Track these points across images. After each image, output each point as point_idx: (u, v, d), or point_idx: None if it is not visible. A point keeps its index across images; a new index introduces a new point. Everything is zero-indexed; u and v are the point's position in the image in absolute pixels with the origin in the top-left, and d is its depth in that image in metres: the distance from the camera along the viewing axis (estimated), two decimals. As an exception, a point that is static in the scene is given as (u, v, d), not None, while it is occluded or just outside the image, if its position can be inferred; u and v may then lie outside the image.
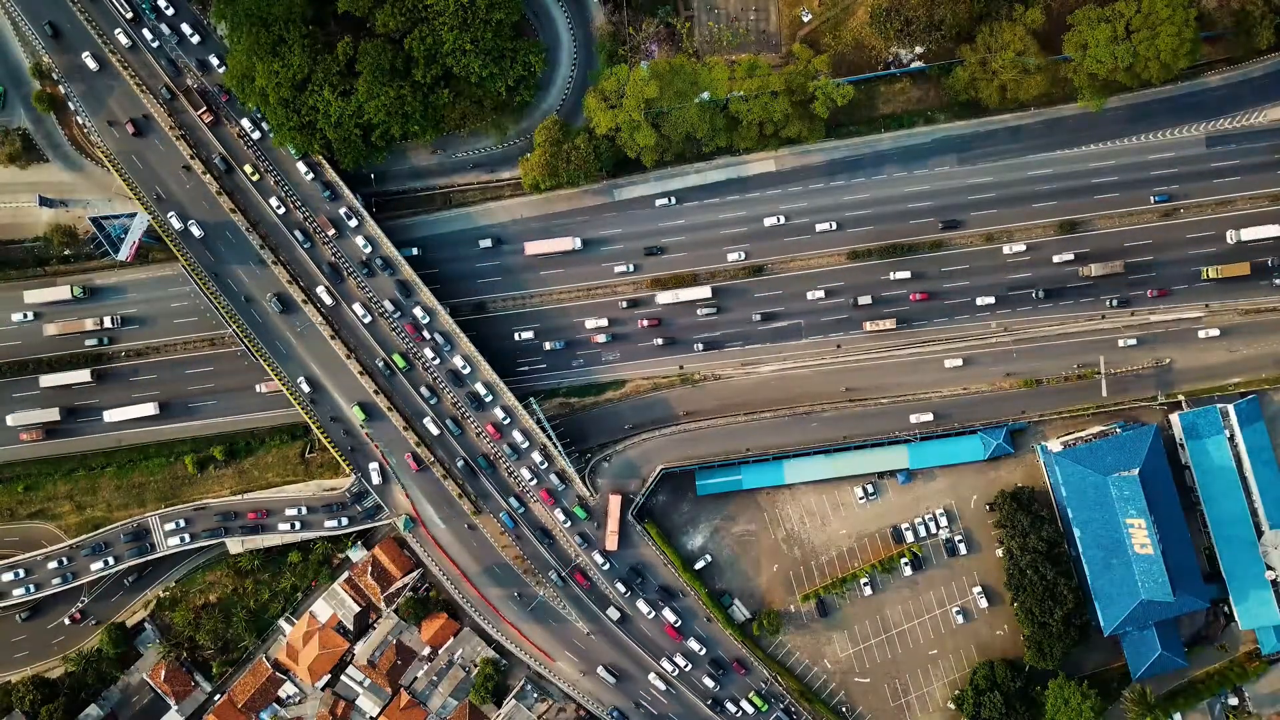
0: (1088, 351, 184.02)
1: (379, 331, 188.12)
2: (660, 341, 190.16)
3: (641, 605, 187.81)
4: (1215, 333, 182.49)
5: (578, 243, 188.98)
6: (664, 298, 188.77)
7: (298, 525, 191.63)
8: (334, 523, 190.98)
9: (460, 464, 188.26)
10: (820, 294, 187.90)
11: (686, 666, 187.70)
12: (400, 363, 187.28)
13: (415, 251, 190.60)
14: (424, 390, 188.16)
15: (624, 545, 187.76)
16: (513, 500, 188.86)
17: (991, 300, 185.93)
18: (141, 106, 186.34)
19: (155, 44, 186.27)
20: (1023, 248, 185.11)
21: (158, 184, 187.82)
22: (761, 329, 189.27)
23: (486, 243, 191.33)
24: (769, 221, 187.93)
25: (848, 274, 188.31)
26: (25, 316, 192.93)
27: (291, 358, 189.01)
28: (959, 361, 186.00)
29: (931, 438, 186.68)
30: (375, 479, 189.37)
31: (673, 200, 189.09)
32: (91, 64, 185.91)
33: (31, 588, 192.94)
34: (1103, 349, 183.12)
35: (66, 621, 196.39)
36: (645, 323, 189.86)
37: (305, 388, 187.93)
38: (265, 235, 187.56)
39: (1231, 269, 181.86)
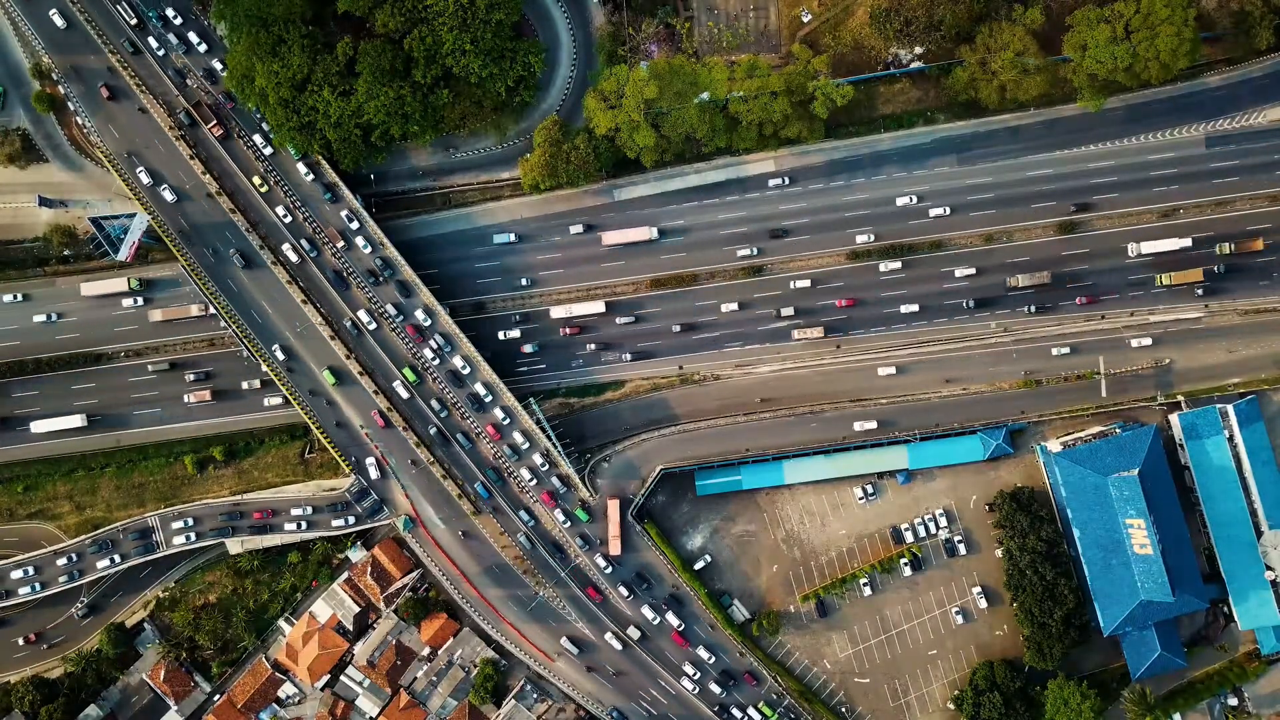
0: (1087, 352, 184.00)
1: (390, 345, 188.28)
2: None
3: (647, 611, 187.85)
4: (1148, 341, 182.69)
5: (654, 232, 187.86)
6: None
7: (304, 525, 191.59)
8: (340, 522, 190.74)
9: (476, 484, 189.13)
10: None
11: (695, 675, 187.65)
12: (410, 377, 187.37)
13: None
14: (434, 403, 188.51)
15: (627, 550, 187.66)
16: (523, 514, 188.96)
17: (916, 308, 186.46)
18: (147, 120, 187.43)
19: (161, 53, 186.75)
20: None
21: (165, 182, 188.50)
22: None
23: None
24: (901, 202, 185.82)
25: (849, 274, 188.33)
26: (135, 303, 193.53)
27: (292, 358, 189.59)
28: (892, 371, 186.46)
29: (931, 438, 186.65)
30: (373, 474, 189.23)
31: (787, 180, 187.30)
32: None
33: (38, 585, 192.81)
34: (1102, 349, 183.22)
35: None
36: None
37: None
38: (271, 243, 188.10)
39: (1184, 275, 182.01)
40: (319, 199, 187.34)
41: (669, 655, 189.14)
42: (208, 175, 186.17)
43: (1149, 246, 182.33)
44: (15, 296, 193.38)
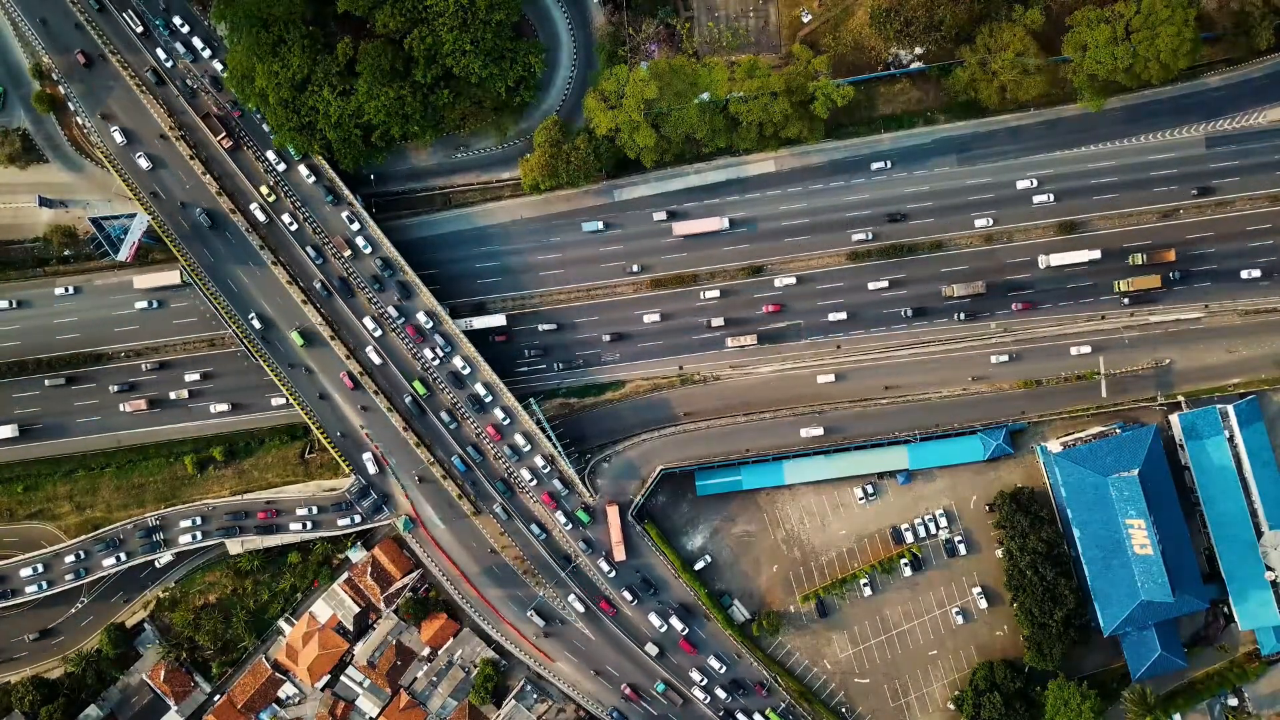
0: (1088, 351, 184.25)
1: (400, 358, 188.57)
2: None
3: (654, 618, 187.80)
4: (1087, 349, 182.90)
5: (725, 222, 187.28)
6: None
7: (310, 525, 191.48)
8: (346, 521, 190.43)
9: (495, 505, 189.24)
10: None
11: (703, 681, 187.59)
12: (420, 389, 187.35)
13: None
14: (443, 415, 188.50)
15: (631, 555, 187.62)
16: (534, 527, 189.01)
17: (844, 316, 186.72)
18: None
19: (170, 64, 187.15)
20: (793, 280, 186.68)
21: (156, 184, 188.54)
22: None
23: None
24: (1021, 185, 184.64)
25: (849, 274, 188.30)
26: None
27: (295, 358, 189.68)
28: (831, 379, 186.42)
29: (932, 438, 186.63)
30: (371, 469, 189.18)
31: (888, 164, 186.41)
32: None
33: (44, 584, 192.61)
34: (1101, 350, 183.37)
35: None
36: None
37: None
38: (281, 255, 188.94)
39: (1142, 281, 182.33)
40: (320, 200, 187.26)
41: (679, 664, 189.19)
42: (217, 188, 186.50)
43: (1057, 259, 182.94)
44: (67, 289, 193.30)
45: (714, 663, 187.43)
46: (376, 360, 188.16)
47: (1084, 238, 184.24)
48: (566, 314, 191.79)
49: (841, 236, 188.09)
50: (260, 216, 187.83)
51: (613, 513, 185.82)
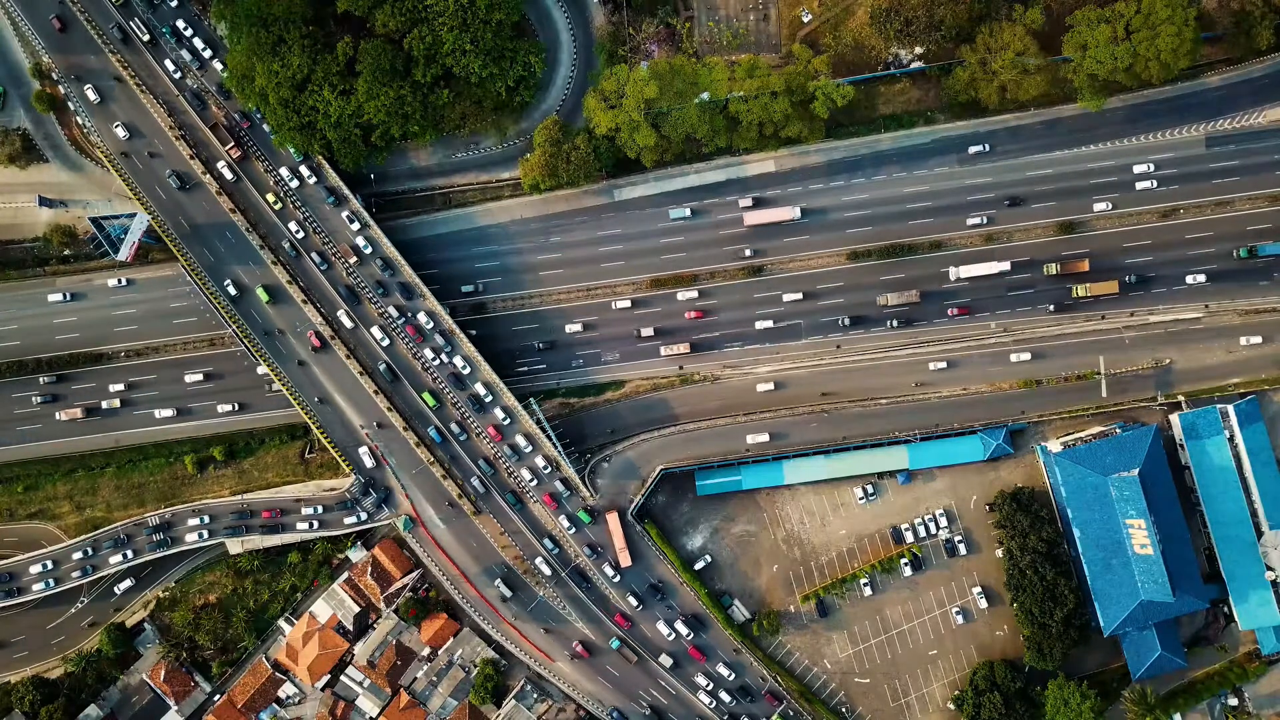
0: (1088, 351, 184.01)
1: (412, 372, 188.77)
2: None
3: (661, 626, 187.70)
4: (1026, 356, 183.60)
5: (796, 212, 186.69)
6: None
7: (316, 525, 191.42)
8: (352, 519, 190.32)
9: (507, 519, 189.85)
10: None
11: (709, 685, 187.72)
12: (430, 401, 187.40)
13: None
14: (453, 426, 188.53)
15: (637, 560, 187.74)
16: (547, 542, 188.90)
17: (770, 324, 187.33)
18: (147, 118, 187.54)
19: (178, 75, 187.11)
20: (694, 294, 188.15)
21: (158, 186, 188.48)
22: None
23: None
24: (1140, 169, 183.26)
25: (848, 274, 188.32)
26: (120, 282, 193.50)
27: (289, 356, 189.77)
28: (771, 386, 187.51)
29: (932, 438, 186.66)
30: (368, 462, 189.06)
31: (986, 147, 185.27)
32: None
33: (52, 582, 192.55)
34: (1105, 349, 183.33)
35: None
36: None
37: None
38: (271, 241, 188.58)
39: (1100, 287, 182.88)
40: (320, 200, 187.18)
41: (687, 669, 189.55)
42: (229, 204, 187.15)
43: (967, 270, 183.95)
44: (119, 281, 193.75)
45: (723, 669, 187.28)
46: (384, 363, 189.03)
47: (996, 249, 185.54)
48: (567, 314, 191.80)
49: (840, 236, 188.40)
50: (277, 224, 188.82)
51: (613, 519, 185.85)
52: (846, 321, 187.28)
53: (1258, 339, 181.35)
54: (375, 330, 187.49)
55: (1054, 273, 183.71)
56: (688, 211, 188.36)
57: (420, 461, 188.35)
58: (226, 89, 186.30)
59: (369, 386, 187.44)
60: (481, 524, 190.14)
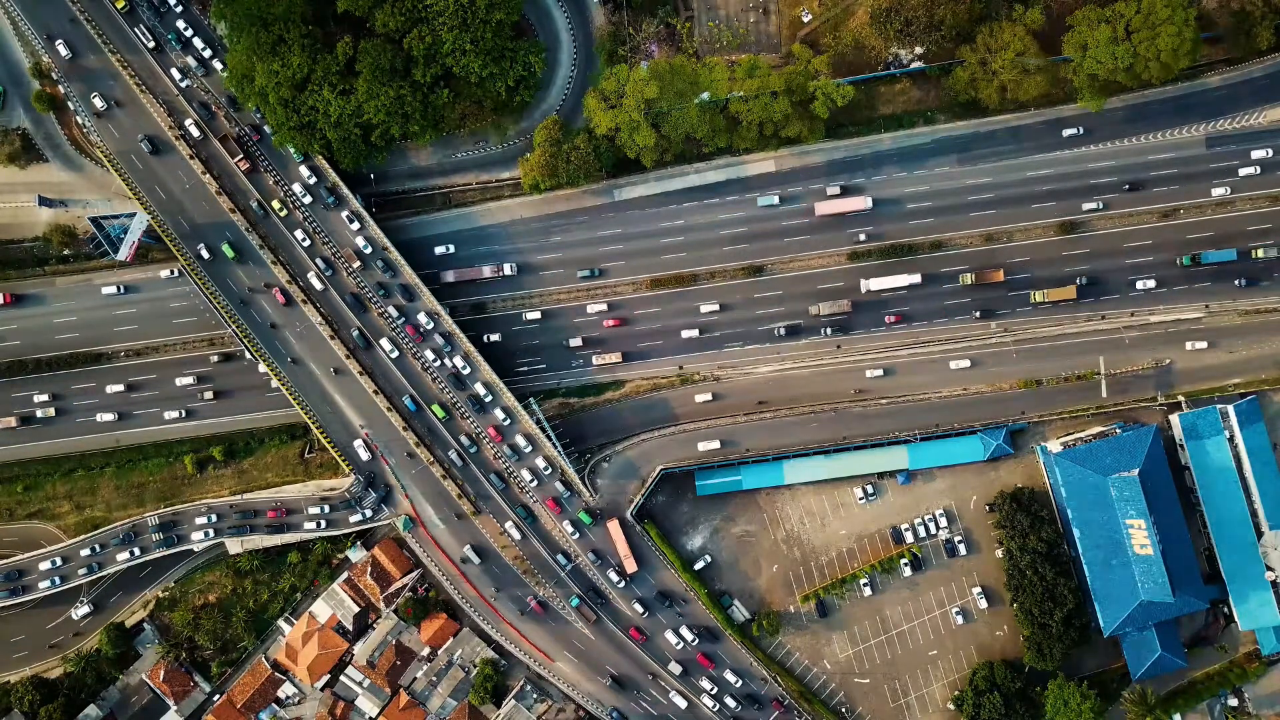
0: (1086, 353, 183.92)
1: (419, 381, 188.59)
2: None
3: (670, 636, 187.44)
4: (965, 364, 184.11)
5: (868, 202, 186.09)
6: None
7: (324, 524, 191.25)
8: (357, 517, 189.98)
9: (508, 523, 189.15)
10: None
11: (712, 690, 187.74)
12: (440, 413, 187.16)
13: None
14: (464, 439, 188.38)
15: (643, 566, 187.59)
16: (560, 557, 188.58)
17: (695, 334, 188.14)
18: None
19: (185, 84, 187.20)
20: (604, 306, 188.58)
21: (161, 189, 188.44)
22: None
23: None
24: (1257, 155, 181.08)
25: (847, 274, 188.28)
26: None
27: (292, 358, 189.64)
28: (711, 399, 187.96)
29: (932, 438, 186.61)
30: (363, 455, 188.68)
31: (1080, 129, 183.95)
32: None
33: (58, 579, 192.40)
34: (1106, 349, 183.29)
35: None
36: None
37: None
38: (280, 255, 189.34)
39: (1057, 293, 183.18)
40: (320, 200, 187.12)
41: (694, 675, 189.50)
42: (236, 214, 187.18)
43: (876, 284, 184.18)
44: (172, 272, 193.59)
45: (730, 676, 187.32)
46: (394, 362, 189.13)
47: (904, 262, 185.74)
48: (567, 314, 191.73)
49: (840, 236, 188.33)
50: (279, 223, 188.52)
51: (614, 528, 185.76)
52: (782, 331, 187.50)
53: (1203, 344, 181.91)
54: (385, 342, 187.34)
55: (969, 282, 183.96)
56: (775, 199, 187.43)
57: (420, 462, 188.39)
58: (236, 100, 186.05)
59: (383, 404, 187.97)
60: (481, 524, 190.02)
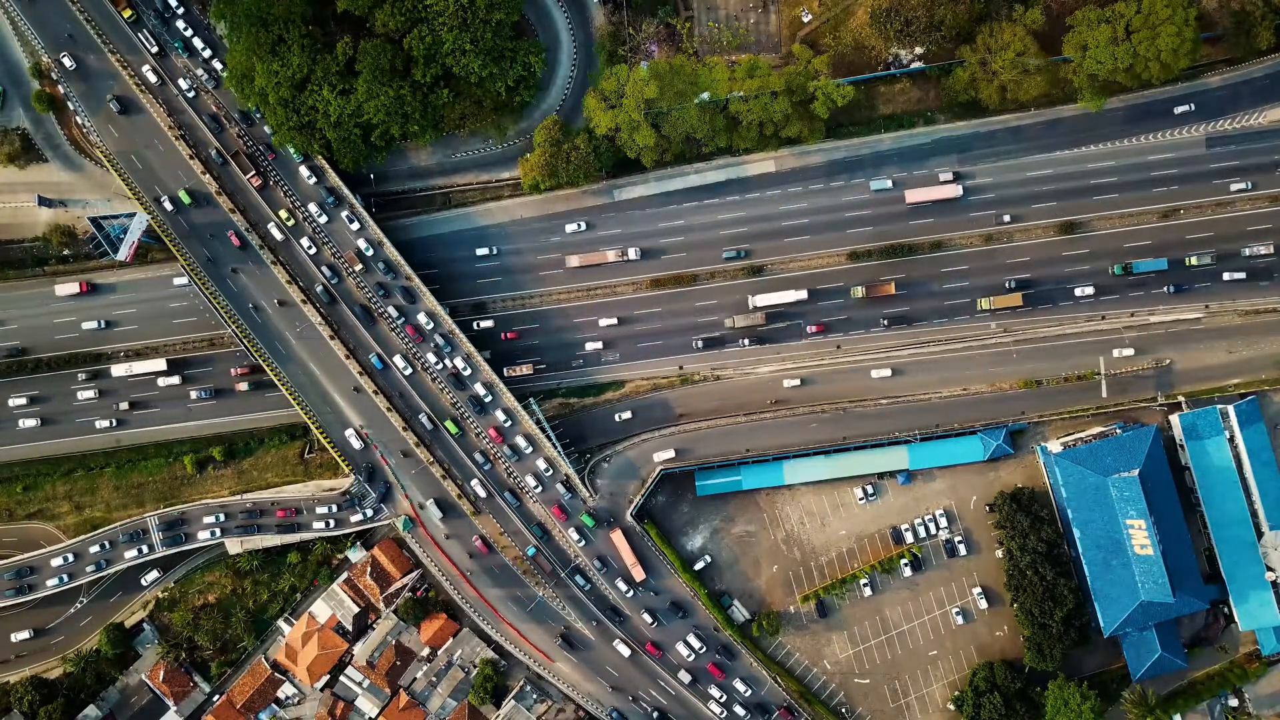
0: (1086, 353, 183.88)
1: (425, 390, 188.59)
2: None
3: (680, 647, 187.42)
4: (886, 373, 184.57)
5: (959, 189, 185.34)
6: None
7: (332, 524, 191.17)
8: (359, 516, 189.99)
9: (528, 547, 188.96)
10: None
11: (722, 698, 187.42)
12: (453, 429, 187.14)
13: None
14: (477, 456, 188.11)
15: (650, 574, 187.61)
16: (579, 579, 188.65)
17: (599, 345, 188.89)
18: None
19: (192, 94, 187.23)
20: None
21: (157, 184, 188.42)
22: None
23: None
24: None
25: (847, 274, 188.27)
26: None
27: (292, 359, 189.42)
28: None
29: (932, 438, 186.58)
30: (356, 444, 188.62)
31: (1192, 106, 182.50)
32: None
33: (66, 577, 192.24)
34: (1101, 350, 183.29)
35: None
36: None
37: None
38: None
39: (1004, 300, 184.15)
40: (320, 200, 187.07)
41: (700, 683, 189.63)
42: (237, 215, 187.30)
43: (763, 299, 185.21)
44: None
45: (740, 685, 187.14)
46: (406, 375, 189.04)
47: (789, 278, 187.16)
48: (567, 314, 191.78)
49: (840, 235, 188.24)
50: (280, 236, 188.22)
51: (618, 537, 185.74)
52: (700, 344, 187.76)
53: (1130, 351, 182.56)
54: (398, 359, 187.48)
55: (860, 296, 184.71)
56: (889, 183, 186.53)
57: (420, 462, 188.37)
58: (247, 114, 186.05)
59: (383, 404, 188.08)
60: (481, 524, 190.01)
